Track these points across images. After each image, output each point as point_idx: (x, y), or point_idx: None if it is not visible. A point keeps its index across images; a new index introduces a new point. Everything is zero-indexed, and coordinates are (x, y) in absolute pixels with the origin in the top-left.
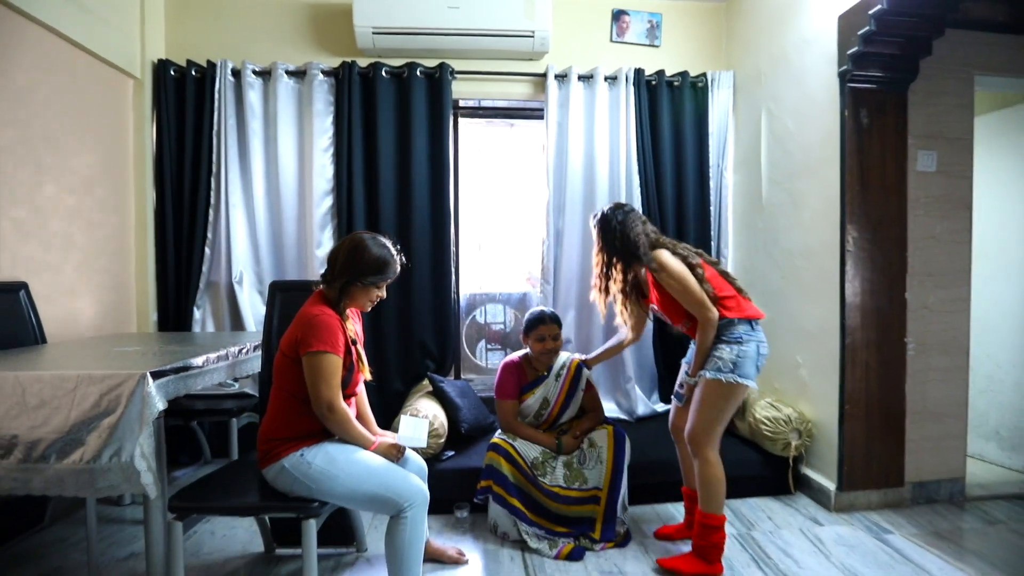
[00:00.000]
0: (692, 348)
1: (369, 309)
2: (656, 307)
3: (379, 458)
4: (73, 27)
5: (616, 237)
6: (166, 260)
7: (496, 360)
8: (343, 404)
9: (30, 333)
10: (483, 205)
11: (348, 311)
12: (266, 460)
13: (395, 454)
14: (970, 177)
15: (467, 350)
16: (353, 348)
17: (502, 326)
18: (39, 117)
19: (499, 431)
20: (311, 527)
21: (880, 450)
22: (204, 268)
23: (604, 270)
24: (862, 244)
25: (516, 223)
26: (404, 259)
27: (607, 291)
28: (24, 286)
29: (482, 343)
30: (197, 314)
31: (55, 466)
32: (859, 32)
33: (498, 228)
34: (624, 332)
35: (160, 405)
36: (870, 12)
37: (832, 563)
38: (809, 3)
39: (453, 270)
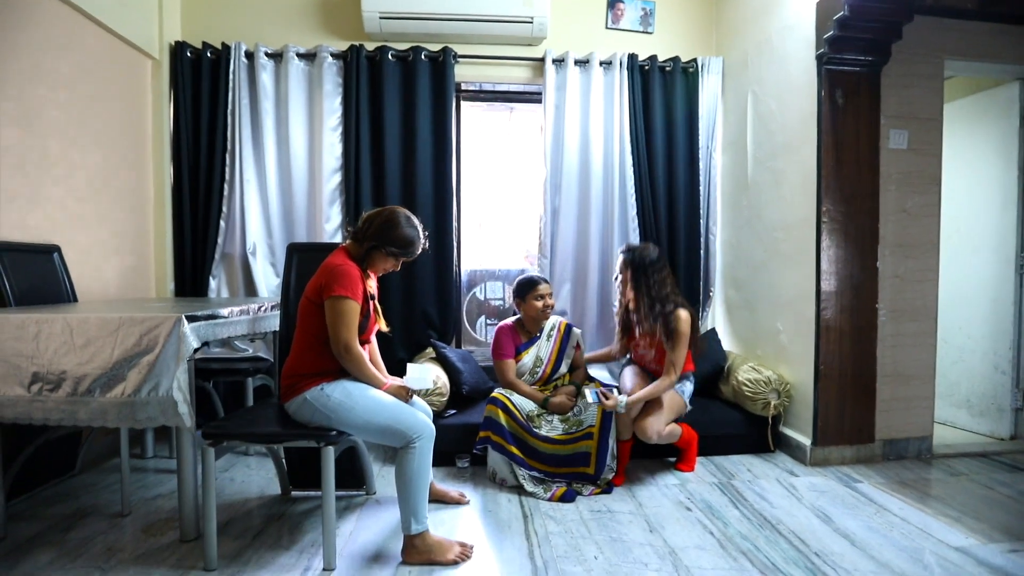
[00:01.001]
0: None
1: (380, 275)
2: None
3: (390, 396)
4: (95, 5)
5: (652, 284)
6: (183, 232)
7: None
8: (359, 346)
9: (64, 292)
10: (484, 186)
11: (367, 270)
12: (289, 394)
13: (404, 395)
14: (939, 155)
15: (467, 325)
16: (371, 301)
17: (500, 302)
18: (64, 93)
19: (498, 388)
20: (329, 454)
21: (852, 408)
22: (219, 240)
23: (633, 304)
24: (836, 216)
25: (515, 203)
26: (428, 244)
27: (630, 323)
28: (57, 249)
29: (482, 319)
30: (212, 283)
31: (99, 399)
32: (834, 17)
33: (498, 208)
34: (615, 347)
35: (195, 343)
36: None
37: (803, 504)
38: None
39: (455, 245)
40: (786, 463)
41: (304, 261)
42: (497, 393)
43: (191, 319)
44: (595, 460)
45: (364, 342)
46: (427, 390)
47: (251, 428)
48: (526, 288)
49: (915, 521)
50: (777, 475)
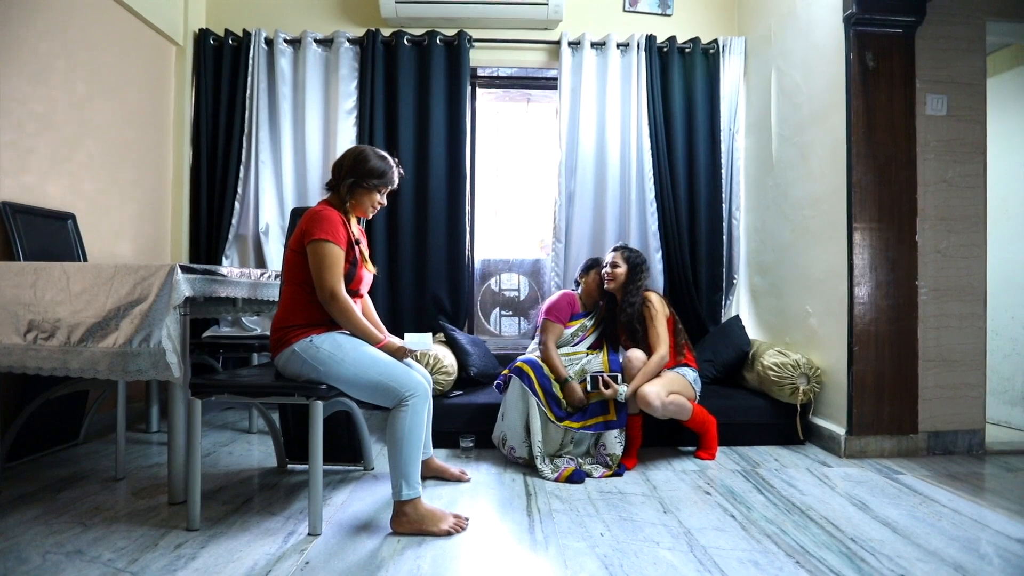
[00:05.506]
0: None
1: (370, 215)
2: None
3: (385, 354)
4: None
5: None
6: (199, 213)
7: (509, 327)
8: (346, 294)
9: (75, 257)
10: (500, 175)
11: (353, 221)
12: (278, 347)
13: (402, 356)
14: (983, 122)
15: (481, 317)
16: (356, 247)
17: (515, 293)
18: (91, 73)
19: (531, 350)
20: (318, 409)
21: (892, 395)
22: (233, 221)
23: (619, 295)
24: (869, 185)
25: (530, 193)
26: (402, 171)
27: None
28: (72, 216)
29: (496, 311)
30: (226, 263)
31: (91, 348)
32: None
33: (513, 197)
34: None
35: (186, 292)
36: None
37: (837, 492)
38: None
39: (468, 231)
40: (817, 454)
41: None
42: (534, 355)
43: (186, 270)
44: (614, 406)
45: (355, 295)
46: (427, 350)
47: (238, 380)
48: (591, 265)
49: (967, 512)
50: (808, 465)
